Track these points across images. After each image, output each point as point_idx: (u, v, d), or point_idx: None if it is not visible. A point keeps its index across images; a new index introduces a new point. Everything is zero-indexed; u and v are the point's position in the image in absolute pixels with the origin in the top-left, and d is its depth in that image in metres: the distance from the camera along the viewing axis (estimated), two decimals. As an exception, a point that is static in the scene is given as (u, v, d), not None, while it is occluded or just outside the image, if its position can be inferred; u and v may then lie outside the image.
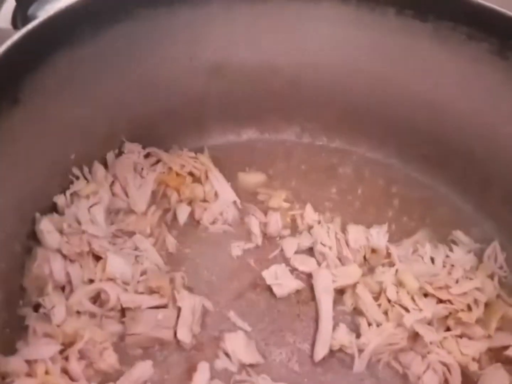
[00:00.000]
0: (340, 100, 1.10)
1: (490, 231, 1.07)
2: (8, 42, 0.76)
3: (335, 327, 0.92)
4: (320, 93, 1.10)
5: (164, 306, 0.90)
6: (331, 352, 0.91)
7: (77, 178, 0.96)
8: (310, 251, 1.02)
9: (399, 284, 0.95)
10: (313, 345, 0.92)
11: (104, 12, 0.85)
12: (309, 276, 0.98)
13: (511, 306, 0.95)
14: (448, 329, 0.93)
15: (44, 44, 0.81)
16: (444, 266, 0.98)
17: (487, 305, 0.94)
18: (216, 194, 1.05)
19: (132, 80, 0.97)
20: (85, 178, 0.97)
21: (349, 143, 1.17)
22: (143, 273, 0.92)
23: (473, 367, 0.89)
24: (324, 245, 0.99)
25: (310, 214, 1.05)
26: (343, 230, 1.03)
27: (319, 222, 1.04)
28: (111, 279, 0.89)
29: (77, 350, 0.82)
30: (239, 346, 0.88)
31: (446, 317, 0.93)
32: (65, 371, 0.81)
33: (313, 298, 0.96)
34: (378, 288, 0.95)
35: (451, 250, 1.01)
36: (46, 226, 0.89)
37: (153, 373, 0.86)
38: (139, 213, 0.99)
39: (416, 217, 1.08)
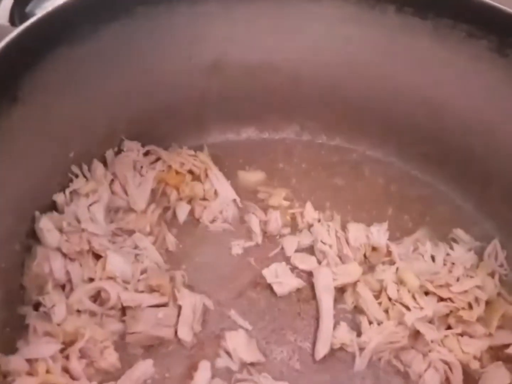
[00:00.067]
0: (339, 98, 1.10)
1: (490, 229, 1.07)
2: (7, 39, 0.75)
3: (336, 325, 0.92)
4: (320, 92, 1.10)
5: (165, 305, 0.90)
6: (332, 351, 0.91)
7: (77, 176, 0.96)
8: (311, 249, 1.02)
9: (400, 282, 0.95)
10: (314, 343, 0.91)
11: (104, 10, 0.85)
12: (310, 274, 0.98)
13: (512, 304, 0.95)
14: (449, 327, 0.93)
15: (43, 42, 0.80)
16: (444, 264, 0.98)
17: (487, 303, 0.94)
18: (215, 193, 1.05)
19: (131, 78, 0.97)
20: (85, 176, 0.97)
21: (349, 141, 1.17)
22: (143, 271, 0.92)
23: (474, 365, 0.89)
24: (324, 243, 0.99)
25: (310, 213, 1.05)
26: (343, 228, 1.03)
27: (319, 221, 1.04)
28: (111, 278, 0.89)
29: (78, 349, 0.82)
30: (240, 344, 0.88)
31: (447, 315, 0.93)
32: (65, 370, 0.80)
33: (314, 296, 0.96)
34: (378, 286, 0.95)
35: (451, 248, 1.01)
36: (45, 224, 0.88)
37: (154, 372, 0.86)
38: (139, 212, 0.98)
39: (416, 215, 1.08)
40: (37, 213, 0.90)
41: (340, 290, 0.97)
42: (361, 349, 0.90)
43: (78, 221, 0.91)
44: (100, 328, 0.86)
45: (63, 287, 0.89)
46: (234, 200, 1.05)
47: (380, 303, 0.94)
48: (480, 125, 1.01)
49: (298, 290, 0.97)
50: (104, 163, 1.00)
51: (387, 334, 0.90)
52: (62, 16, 0.81)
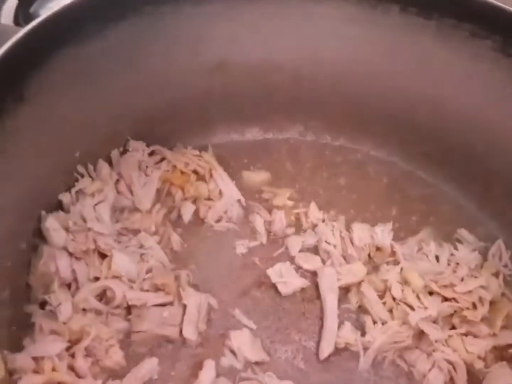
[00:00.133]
0: (343, 98, 1.10)
1: (494, 229, 1.07)
2: (14, 39, 0.76)
3: (340, 325, 0.92)
4: (324, 91, 1.10)
5: (170, 304, 0.90)
6: (336, 350, 0.91)
7: (82, 176, 0.96)
8: (315, 249, 1.02)
9: (404, 282, 0.95)
10: (318, 343, 0.92)
11: (110, 9, 0.85)
12: (314, 274, 0.99)
13: (516, 304, 0.95)
14: (453, 327, 0.93)
15: (49, 41, 0.81)
16: (449, 264, 0.98)
17: (492, 303, 0.94)
18: (220, 193, 1.05)
19: (136, 78, 0.97)
20: (90, 176, 0.97)
21: (353, 141, 1.17)
22: (149, 270, 0.92)
23: (479, 365, 0.89)
24: (328, 243, 1.00)
25: (314, 213, 1.05)
26: (348, 228, 1.03)
27: (323, 221, 1.04)
28: (116, 277, 0.89)
29: (83, 347, 0.82)
30: (244, 343, 0.88)
31: (451, 315, 0.93)
32: (71, 368, 0.81)
33: (318, 296, 0.96)
34: (383, 286, 0.96)
35: (455, 248, 1.01)
36: (51, 224, 0.89)
37: (159, 371, 0.86)
38: (144, 211, 0.99)
39: (419, 215, 1.08)
40: (43, 212, 0.90)
41: (345, 290, 0.97)
42: (366, 349, 0.90)
43: (84, 221, 0.92)
44: (106, 326, 0.86)
45: (69, 286, 0.89)
46: (239, 200, 1.05)
47: (384, 303, 0.94)
48: (483, 125, 1.01)
49: (303, 289, 0.97)
50: (110, 163, 1.01)
51: (391, 333, 0.90)
52: (68, 16, 0.81)
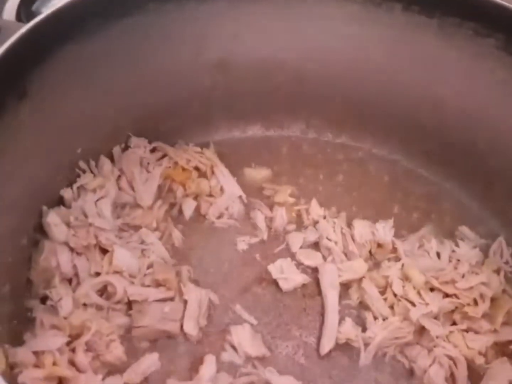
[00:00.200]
0: (345, 96, 1.10)
1: (495, 227, 1.06)
2: (16, 36, 0.76)
3: (341, 321, 0.92)
4: (325, 89, 1.10)
5: (171, 299, 0.90)
6: (337, 346, 0.91)
7: (84, 172, 0.97)
8: (316, 246, 1.02)
9: (405, 278, 0.95)
10: (319, 338, 0.92)
11: (113, 6, 0.85)
12: (315, 270, 0.99)
13: (517, 301, 0.95)
14: (454, 323, 0.93)
15: (51, 38, 0.81)
16: (450, 261, 0.98)
17: (493, 300, 0.94)
18: (221, 189, 1.05)
19: (139, 75, 0.97)
20: (92, 172, 0.97)
21: (354, 139, 1.17)
22: (150, 266, 0.92)
23: (479, 361, 0.89)
24: (330, 239, 1.00)
25: (315, 209, 1.05)
26: (349, 225, 1.03)
27: (324, 217, 1.04)
28: (117, 272, 0.89)
29: (84, 342, 0.82)
30: (245, 339, 0.88)
31: (452, 311, 0.93)
32: (72, 363, 0.81)
33: (319, 292, 0.96)
34: (384, 283, 0.96)
35: (457, 245, 1.01)
36: (53, 219, 0.89)
37: (160, 366, 0.86)
38: (145, 207, 0.99)
39: (421, 212, 1.08)
40: (44, 207, 0.91)
41: (345, 286, 0.97)
42: (366, 345, 0.90)
43: (85, 216, 0.92)
44: (106, 321, 0.86)
45: (70, 281, 0.89)
46: (240, 197, 1.05)
47: (385, 299, 0.94)
48: (485, 123, 1.01)
49: (304, 285, 0.97)
50: (111, 159, 1.01)
51: (392, 329, 0.90)
52: (71, 13, 0.81)
